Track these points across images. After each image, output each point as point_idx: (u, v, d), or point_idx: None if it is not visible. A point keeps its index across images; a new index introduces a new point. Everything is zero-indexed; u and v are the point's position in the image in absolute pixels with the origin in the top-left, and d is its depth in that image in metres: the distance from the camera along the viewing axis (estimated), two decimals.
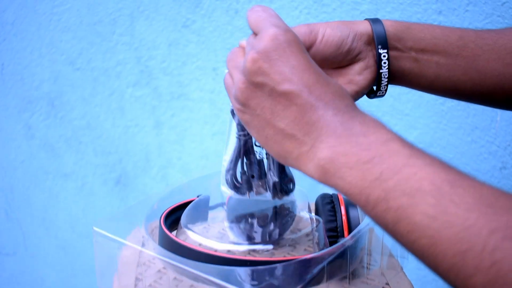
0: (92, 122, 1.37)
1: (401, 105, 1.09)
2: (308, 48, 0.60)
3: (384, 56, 0.64)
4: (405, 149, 0.43)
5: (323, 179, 0.46)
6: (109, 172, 1.39)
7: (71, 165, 1.43)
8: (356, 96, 0.66)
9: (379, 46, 0.63)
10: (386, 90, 0.66)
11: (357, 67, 0.64)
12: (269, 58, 0.49)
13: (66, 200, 1.47)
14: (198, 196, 0.75)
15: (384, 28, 0.63)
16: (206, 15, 1.19)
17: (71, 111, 1.38)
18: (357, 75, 0.65)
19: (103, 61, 1.31)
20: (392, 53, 0.63)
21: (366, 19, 0.65)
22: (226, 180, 0.63)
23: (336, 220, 0.69)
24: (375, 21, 0.64)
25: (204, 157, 1.29)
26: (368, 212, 0.43)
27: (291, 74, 0.48)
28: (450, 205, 0.39)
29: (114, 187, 1.40)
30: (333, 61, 0.63)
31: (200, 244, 0.65)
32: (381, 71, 0.64)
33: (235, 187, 0.63)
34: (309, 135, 0.47)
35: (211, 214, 0.73)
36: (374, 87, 0.66)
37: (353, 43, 0.62)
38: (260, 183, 0.63)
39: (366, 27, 0.63)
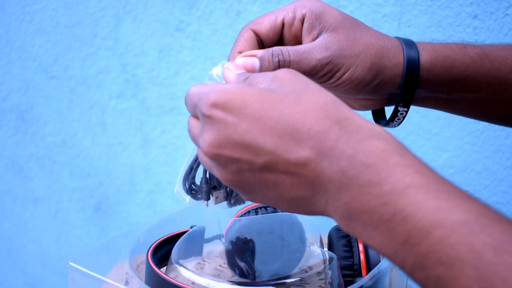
0: (68, 139, 1.37)
1: (429, 124, 1.09)
2: (314, 79, 0.57)
3: (402, 114, 0.63)
4: (430, 199, 0.41)
5: (356, 236, 0.45)
6: (88, 197, 1.39)
7: (43, 189, 1.43)
8: None
9: (401, 104, 0.62)
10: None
11: (361, 101, 0.64)
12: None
13: (37, 229, 1.47)
14: (191, 227, 0.75)
15: (416, 83, 0.60)
16: (203, 17, 1.20)
17: (43, 126, 1.39)
18: (358, 105, 0.65)
19: (82, 68, 1.32)
20: (419, 93, 0.62)
21: (402, 50, 0.61)
22: (183, 185, 0.64)
23: (352, 257, 0.69)
24: (410, 64, 0.60)
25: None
26: (408, 275, 0.42)
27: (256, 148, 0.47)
28: (496, 280, 0.37)
29: (93, 214, 1.40)
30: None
31: (193, 283, 0.65)
32: (391, 122, 0.64)
33: (192, 192, 0.64)
34: (318, 194, 0.46)
35: (206, 247, 0.74)
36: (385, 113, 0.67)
37: (372, 90, 0.61)
38: (222, 191, 0.63)
39: (397, 71, 0.60)
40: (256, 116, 0.46)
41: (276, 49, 0.59)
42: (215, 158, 0.48)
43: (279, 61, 0.58)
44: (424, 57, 0.61)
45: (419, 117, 1.09)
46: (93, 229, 1.40)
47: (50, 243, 1.46)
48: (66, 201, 1.41)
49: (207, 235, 0.74)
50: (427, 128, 1.09)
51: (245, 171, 0.47)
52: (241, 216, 0.72)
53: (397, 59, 0.61)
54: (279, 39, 0.63)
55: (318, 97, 0.47)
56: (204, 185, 0.62)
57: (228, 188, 0.63)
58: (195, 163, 0.62)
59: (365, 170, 0.43)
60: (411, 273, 0.42)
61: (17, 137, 1.42)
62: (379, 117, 0.68)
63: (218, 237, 0.73)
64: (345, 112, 0.46)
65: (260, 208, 0.74)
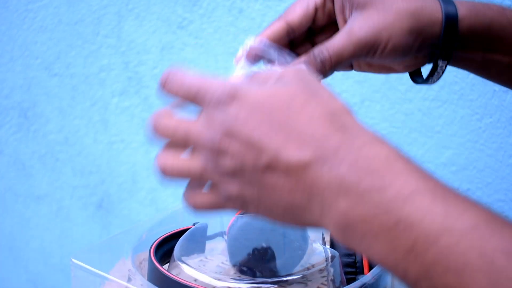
0: (71, 137, 1.37)
1: (431, 121, 1.09)
2: (360, 59, 0.59)
3: (441, 67, 0.62)
4: (437, 204, 0.40)
5: (352, 247, 0.44)
6: (90, 194, 1.39)
7: (45, 186, 1.43)
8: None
9: (441, 57, 0.61)
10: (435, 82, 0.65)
11: (404, 62, 0.64)
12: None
13: (39, 227, 1.47)
14: (194, 224, 0.75)
15: (458, 35, 0.60)
16: (205, 15, 1.20)
17: (46, 123, 1.39)
18: (397, 65, 0.64)
19: (85, 66, 1.32)
20: (456, 53, 0.62)
21: (440, 5, 0.60)
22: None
23: (354, 255, 0.69)
24: (449, 19, 0.59)
25: None
26: (411, 286, 0.41)
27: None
28: (509, 286, 0.36)
29: (95, 212, 1.40)
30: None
31: (195, 280, 0.65)
32: (431, 78, 0.63)
33: None
34: (313, 202, 0.45)
35: (209, 245, 0.74)
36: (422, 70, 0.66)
37: (415, 52, 0.60)
38: None
39: (436, 30, 0.60)
40: (267, 116, 0.46)
41: (316, 50, 0.59)
42: (224, 149, 0.47)
43: (321, 60, 0.58)
44: (463, 13, 0.60)
45: (421, 114, 1.09)
46: (95, 226, 1.41)
47: (52, 241, 1.46)
48: (68, 199, 1.41)
49: (209, 232, 0.74)
50: (429, 126, 1.09)
51: (246, 171, 0.46)
52: (243, 213, 0.73)
53: (435, 16, 0.60)
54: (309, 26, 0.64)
55: (326, 104, 0.46)
56: None
57: None
58: None
59: (367, 176, 0.42)
60: (415, 284, 0.40)
61: (19, 135, 1.42)
62: (415, 75, 0.67)
63: (221, 234, 0.73)
64: (350, 121, 0.46)
65: None
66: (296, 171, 0.45)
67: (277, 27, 0.62)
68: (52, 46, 1.33)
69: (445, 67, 0.62)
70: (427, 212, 0.40)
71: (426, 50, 0.61)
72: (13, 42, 1.36)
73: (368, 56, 0.59)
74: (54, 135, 1.39)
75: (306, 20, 0.63)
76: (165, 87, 0.50)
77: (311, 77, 0.49)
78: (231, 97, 0.47)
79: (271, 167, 0.45)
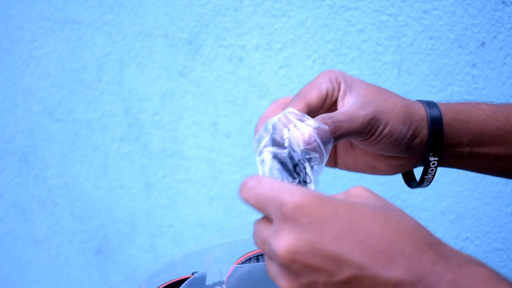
0: (71, 181, 1.37)
1: None
2: (360, 137, 0.60)
3: (434, 164, 0.63)
4: None
5: None
6: (89, 239, 1.38)
7: (44, 231, 1.42)
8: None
9: (431, 154, 0.63)
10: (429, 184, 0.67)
11: (392, 161, 0.65)
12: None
13: (37, 271, 1.45)
14: (193, 274, 0.74)
15: (442, 130, 0.62)
16: (206, 63, 1.20)
17: (46, 168, 1.38)
18: (389, 167, 0.66)
19: (86, 112, 1.32)
20: (444, 151, 0.64)
21: (423, 105, 0.63)
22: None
23: None
24: (433, 117, 0.62)
25: (200, 225, 1.28)
26: None
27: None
28: None
29: (94, 257, 1.39)
30: (372, 152, 0.64)
31: None
32: (425, 177, 0.65)
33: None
34: None
35: None
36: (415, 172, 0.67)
37: (406, 144, 0.62)
38: None
39: (424, 124, 0.62)
40: (346, 226, 0.42)
41: (324, 115, 0.60)
42: (289, 264, 0.43)
43: (333, 122, 0.59)
44: (443, 111, 0.63)
45: None
46: (93, 272, 1.39)
47: (50, 286, 1.45)
48: (67, 244, 1.40)
49: (208, 282, 0.73)
50: None
51: (319, 285, 0.43)
52: (242, 263, 0.72)
53: (422, 113, 0.63)
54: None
55: (406, 217, 0.44)
56: None
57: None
58: None
59: None
60: None
61: (20, 179, 1.42)
62: (409, 179, 0.68)
63: (219, 284, 0.72)
64: (434, 237, 0.43)
65: (262, 255, 0.73)
66: None
67: (300, 107, 0.62)
68: (54, 92, 1.34)
69: (436, 168, 0.64)
70: None
71: (413, 148, 0.63)
72: (16, 87, 1.37)
73: (369, 133, 0.61)
74: (54, 180, 1.38)
75: (321, 102, 0.63)
76: (241, 194, 0.47)
77: (376, 193, 0.46)
78: (301, 208, 0.43)
79: (352, 282, 0.42)
